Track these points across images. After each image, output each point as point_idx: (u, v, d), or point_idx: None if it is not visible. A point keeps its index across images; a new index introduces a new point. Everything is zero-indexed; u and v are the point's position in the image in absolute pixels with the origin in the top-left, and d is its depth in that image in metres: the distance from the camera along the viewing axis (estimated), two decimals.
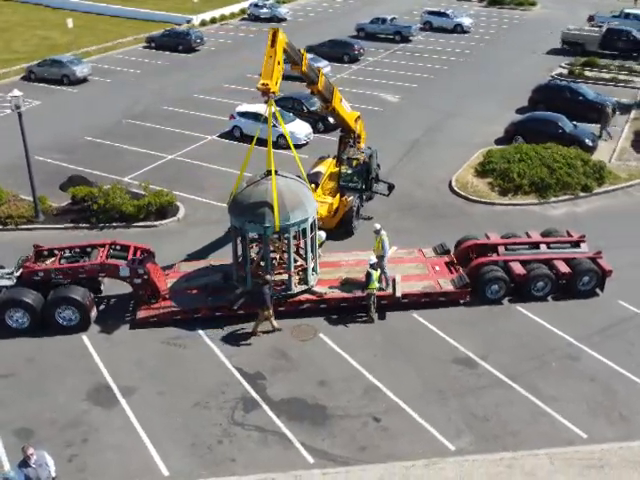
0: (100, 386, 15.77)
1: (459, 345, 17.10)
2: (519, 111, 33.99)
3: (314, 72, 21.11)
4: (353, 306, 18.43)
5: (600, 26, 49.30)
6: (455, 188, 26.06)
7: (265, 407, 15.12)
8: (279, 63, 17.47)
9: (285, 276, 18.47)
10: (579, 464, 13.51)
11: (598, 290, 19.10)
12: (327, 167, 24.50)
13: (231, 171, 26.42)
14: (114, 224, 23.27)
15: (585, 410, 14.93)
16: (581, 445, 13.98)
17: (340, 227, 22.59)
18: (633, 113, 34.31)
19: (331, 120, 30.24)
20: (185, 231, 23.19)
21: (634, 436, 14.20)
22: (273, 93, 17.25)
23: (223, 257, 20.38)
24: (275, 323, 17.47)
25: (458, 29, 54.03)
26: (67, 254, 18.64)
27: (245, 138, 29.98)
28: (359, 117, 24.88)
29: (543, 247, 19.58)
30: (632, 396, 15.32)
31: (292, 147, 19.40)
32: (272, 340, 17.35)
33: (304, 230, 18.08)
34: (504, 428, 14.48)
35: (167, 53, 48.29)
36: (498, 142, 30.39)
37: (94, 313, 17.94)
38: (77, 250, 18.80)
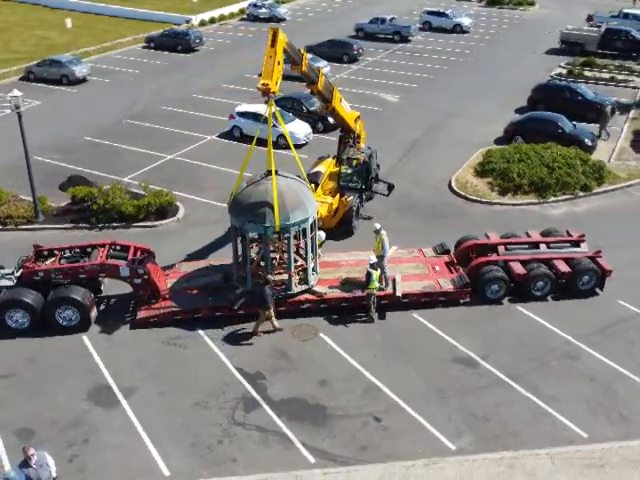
0: (100, 386, 15.77)
1: (459, 345, 17.11)
2: (518, 111, 34.04)
3: (314, 72, 21.12)
4: (353, 306, 18.44)
5: (599, 26, 49.35)
6: (455, 188, 26.08)
7: (265, 407, 15.12)
8: (279, 63, 17.48)
9: (285, 276, 18.47)
10: (580, 463, 13.52)
11: (598, 290, 19.12)
12: (327, 167, 24.51)
13: (231, 171, 26.44)
14: (114, 224, 23.26)
15: (585, 410, 14.95)
16: (581, 445, 14.00)
17: (340, 227, 22.60)
18: (632, 113, 34.35)
19: (331, 120, 30.26)
20: (185, 231, 23.19)
21: (634, 435, 14.22)
22: (273, 93, 17.26)
23: (223, 257, 20.39)
24: (276, 323, 17.47)
25: (457, 29, 54.07)
26: (67, 254, 18.64)
27: (245, 138, 30.00)
28: (359, 117, 24.90)
29: (543, 247, 19.60)
30: (632, 396, 15.34)
31: (292, 147, 19.40)
32: (272, 340, 17.35)
33: (304, 230, 18.09)
34: (504, 428, 14.50)
35: (166, 53, 48.28)
36: (498, 142, 30.42)
37: (94, 313, 17.94)
38: (77, 250, 18.79)
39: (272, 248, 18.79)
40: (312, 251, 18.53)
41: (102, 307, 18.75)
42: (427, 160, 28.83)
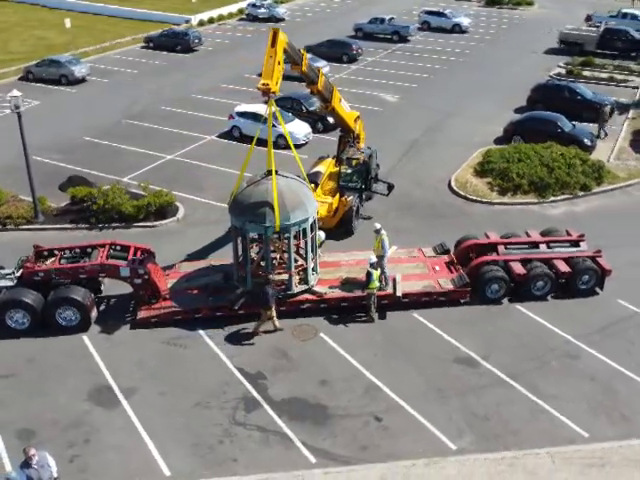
0: (101, 386, 15.77)
1: (459, 344, 17.13)
2: (518, 111, 34.04)
3: (314, 72, 21.13)
4: (353, 306, 18.45)
5: (597, 26, 49.38)
6: (454, 188, 26.10)
7: (266, 407, 15.13)
8: (279, 63, 17.49)
9: (285, 276, 18.47)
10: (580, 463, 13.54)
11: (598, 289, 19.15)
12: (326, 167, 24.52)
13: (230, 171, 26.44)
14: (114, 224, 23.26)
15: (586, 409, 14.97)
16: (582, 444, 14.02)
17: (340, 227, 22.60)
18: (631, 113, 34.39)
19: (330, 120, 30.28)
20: (185, 231, 23.19)
21: (635, 435, 14.24)
22: (273, 93, 17.27)
23: (223, 257, 20.40)
24: (277, 323, 17.48)
25: (456, 29, 54.06)
26: (67, 254, 18.62)
27: (244, 138, 29.99)
28: (358, 117, 24.92)
29: (543, 246, 19.62)
30: (632, 395, 15.36)
31: (292, 147, 19.40)
32: (273, 340, 17.36)
33: (304, 230, 18.09)
34: (505, 427, 14.52)
35: (165, 53, 48.23)
36: (497, 142, 30.44)
37: (94, 313, 17.93)
38: (77, 250, 18.77)
39: (272, 248, 18.79)
40: (312, 251, 18.54)
41: (102, 307, 18.75)
42: (427, 160, 28.85)
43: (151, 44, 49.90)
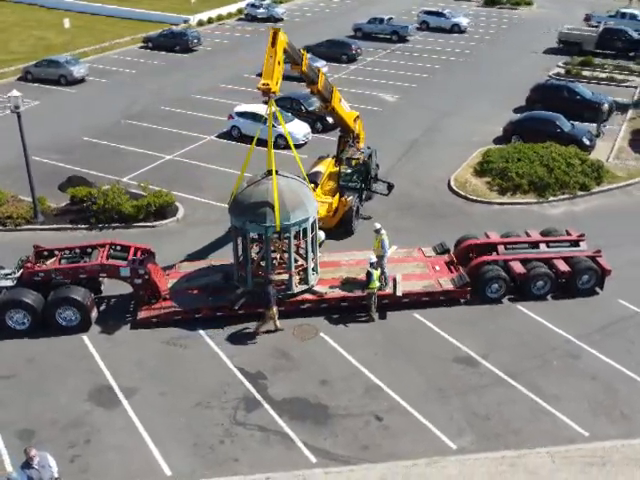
0: (101, 387, 15.76)
1: (460, 344, 17.13)
2: (517, 110, 34.07)
3: (314, 72, 21.14)
4: (354, 306, 18.45)
5: (596, 26, 49.45)
6: (454, 187, 26.11)
7: (267, 407, 15.13)
8: (280, 63, 17.50)
9: (285, 276, 18.47)
10: (581, 462, 13.55)
11: (598, 289, 19.16)
12: (326, 167, 24.53)
13: (230, 171, 26.47)
14: (113, 224, 23.25)
15: (586, 408, 14.98)
16: (583, 443, 14.02)
17: (340, 227, 22.61)
18: (630, 112, 34.43)
19: (330, 120, 30.30)
20: (184, 231, 23.18)
21: (635, 434, 14.25)
22: (274, 93, 17.28)
23: (223, 257, 20.40)
24: (278, 323, 17.48)
25: (455, 29, 54.11)
26: (67, 254, 18.60)
27: (244, 138, 30.00)
28: (358, 117, 24.95)
29: (543, 246, 19.64)
30: (633, 394, 15.37)
31: (292, 147, 19.40)
32: (273, 340, 17.36)
33: (304, 230, 18.10)
34: (506, 427, 14.52)
35: (163, 53, 48.21)
36: (496, 141, 30.47)
37: (95, 313, 17.92)
38: (77, 250, 18.75)
39: (272, 248, 18.79)
40: (312, 251, 18.54)
41: (102, 307, 18.73)
42: (426, 160, 28.86)
43: (150, 44, 49.89)
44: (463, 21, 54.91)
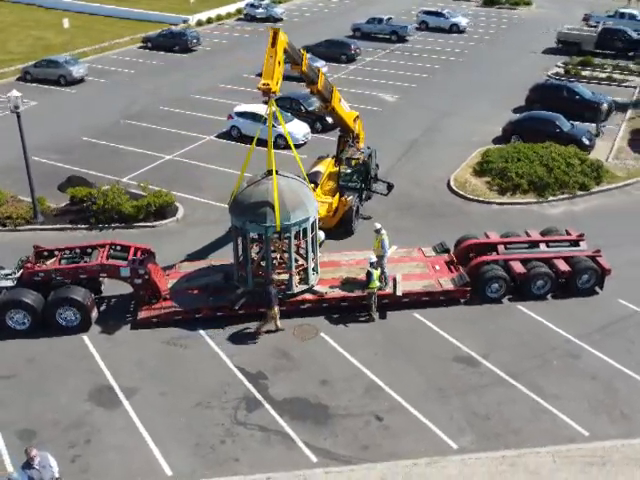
0: (102, 387, 15.76)
1: (460, 344, 17.14)
2: (516, 110, 34.10)
3: (314, 72, 21.14)
4: (354, 305, 18.46)
5: (595, 26, 49.50)
6: (454, 187, 26.13)
7: (267, 406, 15.13)
8: (280, 63, 17.50)
9: (285, 276, 18.48)
10: (581, 461, 13.57)
11: (597, 288, 19.18)
12: (326, 167, 24.53)
13: (229, 171, 26.48)
14: (113, 225, 23.24)
15: (586, 408, 15.00)
16: (583, 443, 14.04)
17: (340, 227, 22.61)
18: (629, 112, 34.47)
19: (329, 120, 30.33)
20: (184, 231, 23.18)
21: (635, 434, 14.27)
22: (274, 93, 17.29)
23: (223, 257, 20.41)
24: (279, 323, 17.48)
25: (454, 29, 54.14)
26: (67, 255, 18.59)
27: (243, 138, 29.99)
28: (358, 117, 24.95)
29: (542, 246, 19.65)
30: (633, 394, 15.39)
31: (292, 147, 19.42)
32: (273, 340, 17.36)
33: (305, 230, 18.10)
34: (506, 426, 14.53)
35: (163, 53, 48.18)
36: (496, 141, 30.50)
37: (95, 314, 17.91)
38: (77, 251, 18.74)
39: (272, 248, 18.79)
40: (312, 251, 18.55)
41: (102, 307, 18.72)
42: (426, 160, 28.88)
43: (149, 44, 49.88)
44: (462, 21, 54.95)
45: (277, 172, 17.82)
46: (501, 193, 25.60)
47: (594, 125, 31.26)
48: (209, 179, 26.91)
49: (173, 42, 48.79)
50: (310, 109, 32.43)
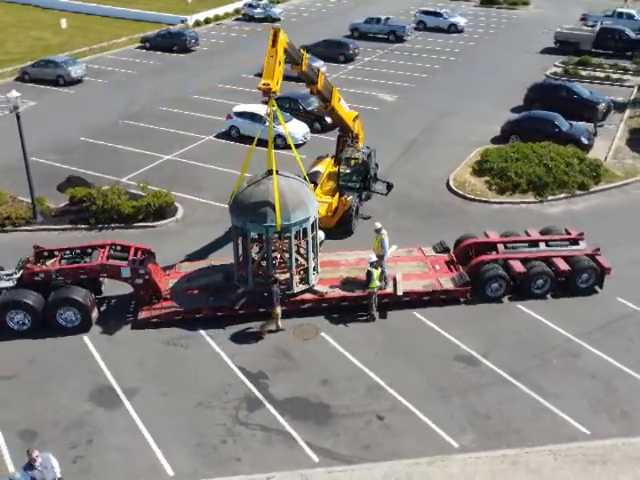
0: (103, 387, 15.76)
1: (460, 343, 17.17)
2: (515, 110, 34.14)
3: (314, 72, 21.16)
4: (354, 305, 18.47)
5: (593, 25, 49.58)
6: (453, 187, 26.16)
7: (269, 406, 15.15)
8: (280, 63, 17.52)
9: (286, 276, 18.48)
10: (582, 460, 13.61)
11: (597, 287, 19.22)
12: (325, 167, 24.55)
13: (229, 171, 26.48)
14: (113, 225, 23.23)
15: (587, 407, 15.04)
16: (584, 441, 14.07)
17: (339, 227, 22.63)
18: (627, 112, 34.53)
19: (328, 120, 30.34)
20: (184, 231, 23.18)
21: (636, 432, 14.31)
22: (274, 93, 17.30)
23: (223, 257, 20.41)
24: (280, 323, 17.49)
25: (452, 29, 54.18)
26: (67, 255, 18.59)
27: (242, 138, 29.99)
28: (357, 117, 24.96)
29: (542, 245, 19.69)
30: (633, 393, 15.44)
31: (292, 147, 19.43)
32: (274, 339, 17.37)
33: (305, 230, 18.11)
34: (507, 425, 14.57)
35: (162, 54, 48.13)
36: (494, 141, 30.54)
37: (95, 314, 17.90)
38: (77, 251, 18.74)
39: (272, 248, 18.80)
40: (313, 250, 18.56)
41: (103, 308, 18.71)
42: (425, 159, 28.91)
43: (147, 44, 49.85)
44: (460, 21, 55.00)
45: (277, 172, 17.83)
46: (500, 193, 25.64)
47: (591, 125, 31.29)
48: (208, 179, 26.91)
49: (172, 42, 48.77)
50: (309, 109, 32.45)
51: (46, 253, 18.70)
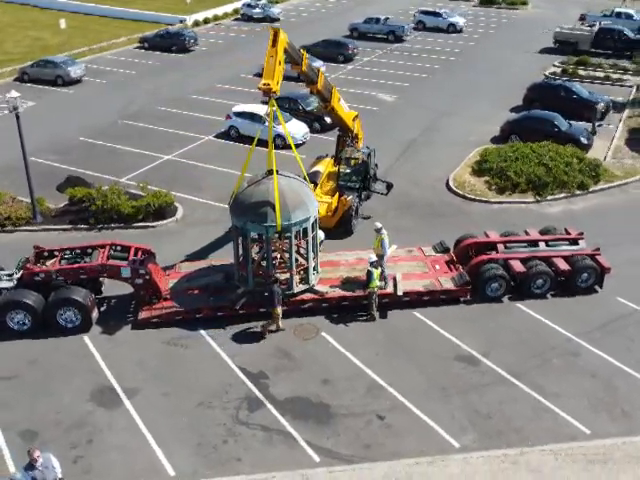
0: (103, 387, 15.75)
1: (461, 343, 17.19)
2: (514, 110, 34.19)
3: (314, 72, 21.17)
4: (354, 305, 18.48)
5: (591, 25, 49.62)
6: (452, 187, 26.18)
7: (269, 406, 15.15)
8: (280, 63, 17.52)
9: (286, 275, 18.48)
10: (583, 459, 13.62)
11: (597, 287, 19.24)
12: (325, 167, 24.55)
13: (228, 171, 26.48)
14: (112, 225, 23.22)
15: (587, 406, 15.05)
16: (585, 441, 14.09)
17: (339, 226, 22.63)
18: (627, 111, 34.58)
19: (328, 120, 30.34)
20: (184, 231, 23.17)
21: (636, 431, 14.33)
22: (274, 93, 17.31)
23: (223, 257, 20.41)
24: (280, 323, 17.49)
25: (451, 29, 54.21)
26: (67, 255, 18.58)
27: (242, 138, 29.99)
28: (357, 116, 24.96)
29: (542, 245, 19.70)
30: (633, 392, 15.45)
31: (293, 146, 19.44)
32: (275, 339, 17.37)
33: (305, 229, 18.11)
34: (507, 425, 14.57)
35: (160, 54, 48.10)
36: (494, 141, 30.56)
37: (95, 314, 17.89)
38: (77, 251, 18.73)
39: (273, 247, 18.79)
40: (313, 250, 18.56)
41: (103, 308, 18.70)
42: (424, 159, 28.92)
43: (146, 44, 49.82)
44: (459, 21, 55.04)
45: (277, 172, 17.83)
46: (500, 192, 25.66)
47: (590, 124, 31.32)
48: (208, 179, 26.90)
49: (170, 42, 48.75)
50: (308, 109, 32.44)
51: (46, 253, 18.69)
